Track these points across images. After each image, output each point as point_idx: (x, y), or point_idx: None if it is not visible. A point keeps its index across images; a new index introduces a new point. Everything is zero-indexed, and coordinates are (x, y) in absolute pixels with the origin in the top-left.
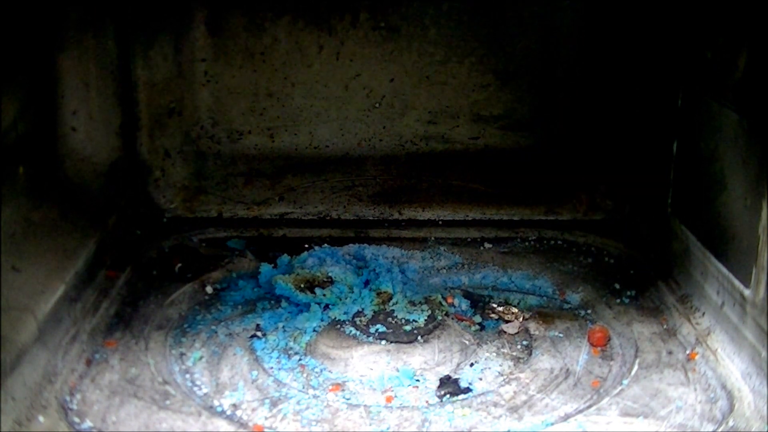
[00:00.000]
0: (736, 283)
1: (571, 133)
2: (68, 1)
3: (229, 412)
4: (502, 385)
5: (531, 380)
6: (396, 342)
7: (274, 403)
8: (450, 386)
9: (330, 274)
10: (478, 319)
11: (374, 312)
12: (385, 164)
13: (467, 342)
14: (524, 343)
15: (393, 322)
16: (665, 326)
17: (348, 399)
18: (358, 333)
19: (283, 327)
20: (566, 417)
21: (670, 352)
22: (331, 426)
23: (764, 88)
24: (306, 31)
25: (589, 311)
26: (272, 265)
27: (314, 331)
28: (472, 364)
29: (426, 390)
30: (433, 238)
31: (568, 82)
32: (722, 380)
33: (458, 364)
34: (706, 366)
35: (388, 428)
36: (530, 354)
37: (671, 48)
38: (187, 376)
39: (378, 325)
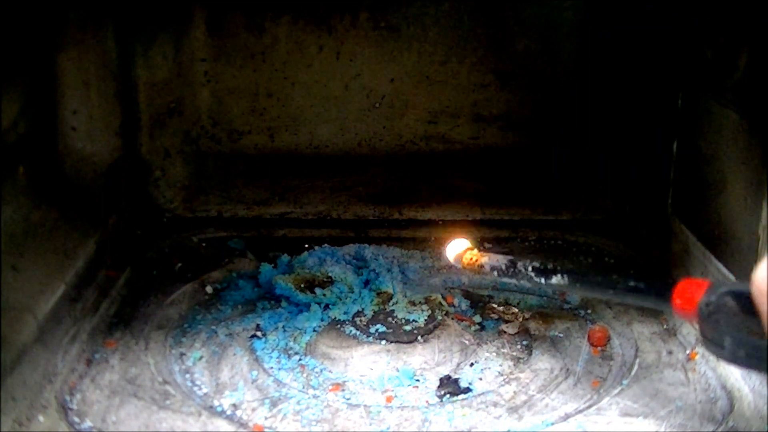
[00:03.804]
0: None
1: (571, 133)
2: (68, 1)
3: (229, 412)
4: (502, 385)
5: (531, 380)
6: (396, 342)
7: (274, 403)
8: (450, 386)
9: (330, 274)
10: (478, 319)
11: (374, 312)
12: (385, 164)
13: (467, 342)
14: (524, 343)
15: (393, 322)
16: (665, 326)
17: (348, 399)
18: (358, 333)
19: (283, 327)
20: (566, 417)
21: (670, 352)
22: (331, 426)
23: (764, 88)
24: (306, 31)
25: (589, 311)
26: (272, 265)
27: (314, 331)
28: (472, 364)
29: (426, 390)
30: (433, 238)
31: (568, 82)
32: (722, 380)
33: (458, 364)
34: (706, 366)
35: (388, 428)
36: (530, 354)
37: (671, 48)
38: (187, 376)
39: (378, 325)
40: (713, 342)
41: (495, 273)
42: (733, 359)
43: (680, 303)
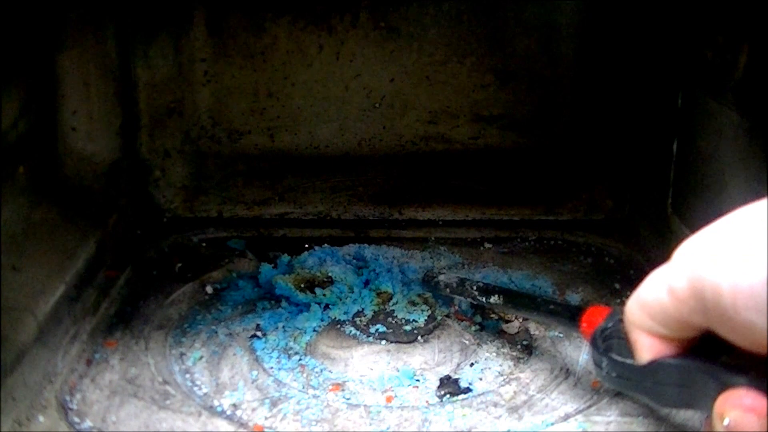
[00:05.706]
0: None
1: (571, 133)
2: (68, 1)
3: (229, 412)
4: (502, 385)
5: (531, 380)
6: (396, 342)
7: (274, 403)
8: (450, 386)
9: (330, 274)
10: (478, 319)
11: (374, 312)
12: (385, 164)
13: (467, 342)
14: (524, 343)
15: (393, 322)
16: None
17: (348, 399)
18: (358, 333)
19: (283, 327)
20: (566, 417)
21: None
22: (331, 426)
23: (764, 88)
24: (306, 31)
25: None
26: (272, 265)
27: (314, 331)
28: (472, 364)
29: (426, 390)
30: (433, 238)
31: (568, 82)
32: None
33: (458, 364)
34: None
35: (388, 428)
36: (530, 354)
37: (671, 48)
38: (187, 376)
39: (378, 325)
40: (595, 363)
41: (448, 290)
42: (609, 380)
43: (585, 327)
